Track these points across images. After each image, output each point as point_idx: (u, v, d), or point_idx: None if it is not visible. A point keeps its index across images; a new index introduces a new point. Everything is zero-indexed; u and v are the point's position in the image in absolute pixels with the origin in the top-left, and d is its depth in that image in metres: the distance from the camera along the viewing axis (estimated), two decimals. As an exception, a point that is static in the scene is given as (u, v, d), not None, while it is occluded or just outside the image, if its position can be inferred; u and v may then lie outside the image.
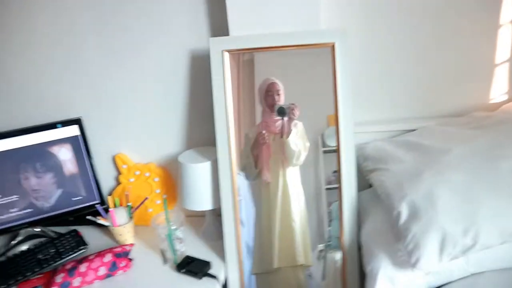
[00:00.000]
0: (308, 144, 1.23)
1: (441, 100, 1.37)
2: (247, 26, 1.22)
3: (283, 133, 1.22)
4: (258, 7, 1.20)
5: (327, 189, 1.26)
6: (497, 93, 1.34)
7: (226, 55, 1.20)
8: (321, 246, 1.28)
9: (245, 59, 1.24)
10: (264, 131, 1.24)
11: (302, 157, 1.23)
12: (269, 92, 1.22)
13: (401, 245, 1.00)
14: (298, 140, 1.22)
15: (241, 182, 1.27)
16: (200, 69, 1.35)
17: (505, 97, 1.34)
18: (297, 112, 1.20)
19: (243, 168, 1.27)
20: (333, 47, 1.17)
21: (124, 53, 1.39)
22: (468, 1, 1.25)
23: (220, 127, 1.22)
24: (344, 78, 1.17)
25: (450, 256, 0.94)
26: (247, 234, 1.28)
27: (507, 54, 1.29)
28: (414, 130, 1.33)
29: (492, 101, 1.35)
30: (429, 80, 1.35)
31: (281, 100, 1.22)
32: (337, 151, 1.20)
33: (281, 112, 1.21)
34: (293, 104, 1.20)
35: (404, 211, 1.01)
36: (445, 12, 1.27)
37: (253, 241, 1.29)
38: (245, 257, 1.28)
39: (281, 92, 1.22)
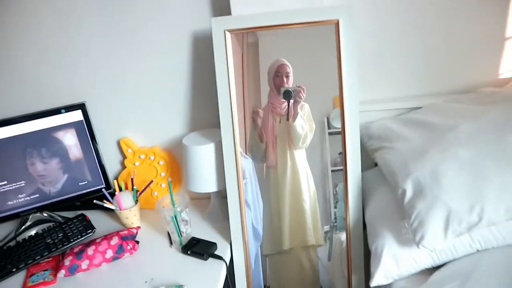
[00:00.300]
0: (314, 126, 1.23)
1: (448, 76, 1.34)
2: (250, 5, 1.19)
3: (289, 116, 1.21)
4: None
5: (333, 170, 1.26)
6: (505, 68, 1.31)
7: (228, 35, 1.18)
8: (327, 227, 1.28)
9: (249, 41, 1.22)
10: (258, 109, 1.23)
11: (308, 140, 1.23)
12: (278, 73, 1.21)
13: (406, 223, 1.00)
14: (304, 123, 1.21)
15: (247, 164, 1.26)
16: (203, 50, 1.34)
17: (513, 73, 1.31)
18: (303, 95, 1.19)
19: (250, 149, 1.27)
20: (337, 24, 1.14)
21: (126, 36, 1.37)
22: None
23: (224, 108, 1.21)
24: (349, 55, 1.15)
25: (455, 233, 0.94)
26: (254, 216, 1.28)
27: (516, 28, 1.26)
28: (420, 107, 1.31)
29: (500, 77, 1.32)
30: (435, 56, 1.32)
31: (290, 83, 1.21)
32: (342, 130, 1.19)
33: (287, 95, 1.20)
34: (299, 86, 1.19)
35: (409, 189, 1.01)
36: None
37: (261, 223, 1.29)
38: (250, 239, 1.29)
39: (290, 74, 1.20)
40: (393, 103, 1.34)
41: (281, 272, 1.33)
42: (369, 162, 1.30)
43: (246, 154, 1.27)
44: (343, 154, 1.19)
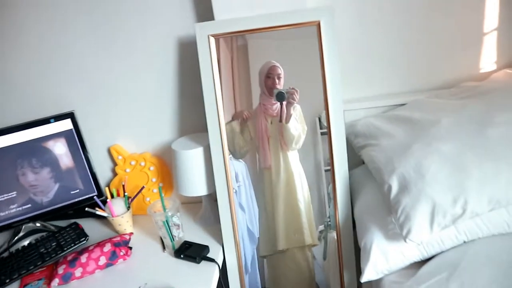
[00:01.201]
0: (306, 128, 1.24)
1: (431, 72, 1.36)
2: (232, 9, 1.21)
3: (282, 118, 1.22)
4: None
5: (326, 170, 1.27)
6: (486, 63, 1.33)
7: (212, 40, 1.20)
8: (321, 227, 1.30)
9: (239, 44, 1.24)
10: (245, 111, 1.25)
11: (301, 141, 1.24)
12: (269, 75, 1.21)
13: (393, 218, 1.02)
14: (297, 124, 1.23)
15: (240, 167, 1.28)
16: (189, 55, 1.35)
17: (494, 66, 1.33)
18: (296, 97, 1.20)
19: (240, 152, 1.28)
20: (318, 25, 1.16)
21: (112, 44, 1.39)
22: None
23: (210, 112, 1.23)
24: (331, 56, 1.17)
25: (440, 226, 0.95)
26: (248, 219, 1.30)
27: (495, 22, 1.28)
28: (404, 104, 1.33)
29: (481, 71, 1.34)
30: (417, 53, 1.34)
31: (281, 84, 1.22)
32: (327, 130, 1.20)
33: (280, 96, 1.20)
34: (292, 88, 1.20)
35: (394, 185, 1.02)
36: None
37: (257, 226, 1.31)
38: (246, 242, 1.30)
39: (282, 76, 1.21)
40: (378, 100, 1.36)
41: (278, 273, 1.34)
42: (357, 160, 1.32)
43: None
44: (330, 153, 1.21)
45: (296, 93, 1.20)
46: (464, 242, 1.00)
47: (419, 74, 1.37)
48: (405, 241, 0.97)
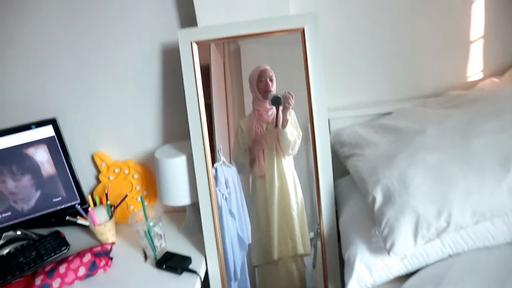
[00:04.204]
0: (301, 133, 1.22)
1: (418, 80, 1.35)
2: (216, 15, 1.20)
3: (278, 123, 1.19)
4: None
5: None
6: (472, 71, 1.32)
7: (195, 46, 1.18)
8: (311, 234, 1.27)
9: (231, 49, 1.22)
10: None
11: (297, 146, 1.22)
12: (261, 78, 1.19)
13: (377, 230, 1.00)
14: (293, 129, 1.20)
15: (230, 173, 1.25)
16: (172, 61, 1.33)
17: (481, 75, 1.32)
18: (292, 101, 1.17)
19: (236, 159, 1.25)
20: (303, 32, 1.15)
21: (96, 50, 1.37)
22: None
23: (193, 120, 1.20)
24: (316, 62, 1.15)
25: (424, 239, 0.93)
26: (239, 225, 1.27)
27: (481, 31, 1.27)
28: (390, 113, 1.32)
29: (468, 79, 1.33)
30: (404, 61, 1.33)
31: (274, 87, 1.19)
32: (312, 138, 1.18)
33: (276, 101, 1.17)
34: (288, 93, 1.17)
35: (378, 196, 1.00)
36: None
37: (247, 232, 1.28)
38: (236, 248, 1.28)
39: (274, 78, 1.19)
40: (364, 109, 1.35)
41: (269, 282, 1.31)
42: (344, 169, 1.29)
43: (230, 163, 1.25)
44: (314, 163, 1.19)
45: (291, 98, 1.17)
46: (449, 255, 0.97)
47: (406, 82, 1.36)
48: (388, 254, 0.95)
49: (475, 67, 1.32)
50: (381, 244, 0.98)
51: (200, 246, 1.31)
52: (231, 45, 1.21)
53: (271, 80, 1.19)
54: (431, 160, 0.99)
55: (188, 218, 1.40)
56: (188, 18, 1.27)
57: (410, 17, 1.28)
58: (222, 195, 1.25)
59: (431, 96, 1.34)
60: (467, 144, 1.00)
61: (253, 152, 1.24)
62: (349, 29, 1.31)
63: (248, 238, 1.29)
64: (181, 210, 1.47)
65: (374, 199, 1.01)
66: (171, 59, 1.33)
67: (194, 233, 1.38)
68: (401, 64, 1.33)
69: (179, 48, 1.18)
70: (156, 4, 1.28)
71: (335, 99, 1.36)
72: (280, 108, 1.18)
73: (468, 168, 0.95)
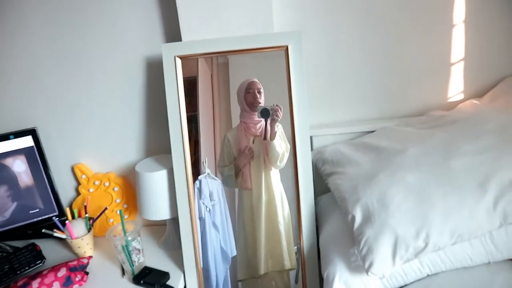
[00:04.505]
0: (289, 146, 1.21)
1: (400, 100, 1.37)
2: (200, 30, 1.20)
3: (267, 135, 1.19)
4: (209, 12, 1.18)
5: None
6: (453, 92, 1.35)
7: (179, 61, 1.18)
8: (295, 248, 1.26)
9: (220, 62, 1.22)
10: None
11: (285, 159, 1.21)
12: (249, 89, 1.19)
13: (356, 249, 0.99)
14: (281, 142, 1.20)
15: (215, 186, 1.24)
16: (155, 76, 1.33)
17: (461, 96, 1.34)
18: (280, 113, 1.18)
19: (221, 171, 1.24)
20: (286, 50, 1.16)
21: (79, 61, 1.36)
22: (423, 2, 1.26)
23: (175, 134, 1.19)
24: (298, 80, 1.16)
25: (403, 259, 0.93)
26: (222, 238, 1.25)
27: (461, 53, 1.30)
28: (373, 131, 1.33)
29: (449, 100, 1.35)
30: (387, 81, 1.35)
31: (262, 99, 1.19)
32: (293, 156, 1.18)
33: (265, 113, 1.17)
34: (277, 105, 1.17)
35: (358, 215, 1.00)
36: (400, 12, 1.27)
37: (231, 244, 1.27)
38: (218, 261, 1.26)
39: (262, 90, 1.19)
40: (347, 127, 1.36)
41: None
42: (324, 186, 1.29)
43: (215, 175, 1.24)
44: (295, 180, 1.18)
45: (280, 110, 1.17)
46: (428, 275, 0.98)
47: (389, 101, 1.37)
48: (367, 274, 0.95)
49: (456, 89, 1.34)
50: (360, 263, 0.98)
51: (179, 261, 1.28)
52: (220, 58, 1.21)
53: (259, 92, 1.19)
54: (412, 180, 1.00)
55: (168, 233, 1.38)
56: (172, 33, 1.27)
57: (394, 39, 1.30)
58: (206, 207, 1.24)
59: (413, 115, 1.36)
60: (447, 165, 1.01)
61: (239, 165, 1.23)
62: (334, 48, 1.32)
63: (231, 251, 1.28)
64: (161, 224, 1.45)
65: (353, 218, 1.01)
66: (154, 73, 1.33)
67: (174, 248, 1.35)
68: (384, 84, 1.35)
69: (163, 63, 1.18)
70: (141, 19, 1.29)
71: (318, 116, 1.37)
72: (269, 120, 1.18)
73: (447, 189, 0.95)
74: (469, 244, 0.95)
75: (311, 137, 1.29)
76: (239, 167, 1.23)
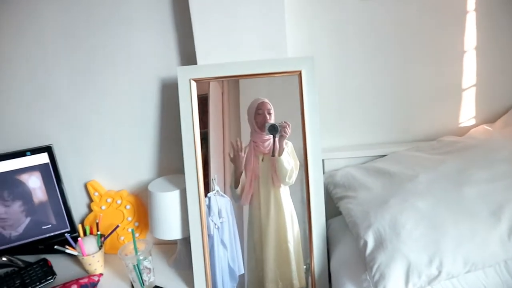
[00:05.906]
0: (298, 163, 1.21)
1: (411, 125, 1.38)
2: (215, 54, 1.22)
3: (275, 151, 1.20)
4: (224, 36, 1.21)
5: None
6: (465, 118, 1.35)
7: (194, 83, 1.20)
8: (304, 268, 1.25)
9: (230, 80, 1.23)
10: (237, 142, 1.22)
11: (294, 176, 1.21)
12: (259, 110, 1.21)
13: (368, 275, 0.99)
14: (290, 159, 1.21)
15: (224, 203, 1.25)
16: (170, 96, 1.35)
17: (473, 122, 1.35)
18: (288, 130, 1.19)
19: (230, 188, 1.25)
20: (300, 74, 1.17)
21: (94, 81, 1.39)
22: (434, 28, 1.27)
23: (188, 155, 1.21)
24: (312, 104, 1.18)
25: (416, 286, 0.92)
26: (230, 256, 1.25)
27: (473, 79, 1.30)
28: (384, 155, 1.33)
29: (461, 125, 1.36)
30: (398, 105, 1.36)
31: (272, 120, 1.20)
32: (305, 179, 1.19)
33: (273, 130, 1.19)
34: (285, 122, 1.19)
35: (370, 241, 1.00)
36: (411, 38, 1.29)
37: (239, 263, 1.26)
38: (226, 279, 1.25)
39: (272, 111, 1.21)
40: (359, 151, 1.36)
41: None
42: (335, 210, 1.29)
43: (224, 192, 1.25)
44: (307, 203, 1.19)
45: (288, 127, 1.19)
46: (440, 303, 0.96)
47: (400, 126, 1.38)
48: (379, 300, 0.94)
49: (467, 114, 1.34)
50: (372, 290, 0.97)
51: (189, 280, 1.28)
52: (231, 77, 1.23)
53: (269, 113, 1.21)
54: (423, 207, 1.00)
55: (178, 252, 1.39)
56: (188, 55, 1.30)
57: (405, 64, 1.31)
58: (215, 224, 1.24)
59: (425, 140, 1.36)
60: (459, 192, 1.01)
61: (236, 167, 1.23)
62: (345, 74, 1.34)
63: (239, 269, 1.27)
64: (172, 242, 1.46)
65: (365, 244, 1.00)
66: (168, 93, 1.36)
67: (184, 267, 1.36)
68: (396, 109, 1.36)
69: (178, 85, 1.20)
70: (158, 41, 1.32)
71: (330, 140, 1.38)
72: (277, 136, 1.19)
73: (460, 216, 0.95)
74: (483, 273, 0.93)
75: (323, 161, 1.30)
76: (236, 172, 1.23)
